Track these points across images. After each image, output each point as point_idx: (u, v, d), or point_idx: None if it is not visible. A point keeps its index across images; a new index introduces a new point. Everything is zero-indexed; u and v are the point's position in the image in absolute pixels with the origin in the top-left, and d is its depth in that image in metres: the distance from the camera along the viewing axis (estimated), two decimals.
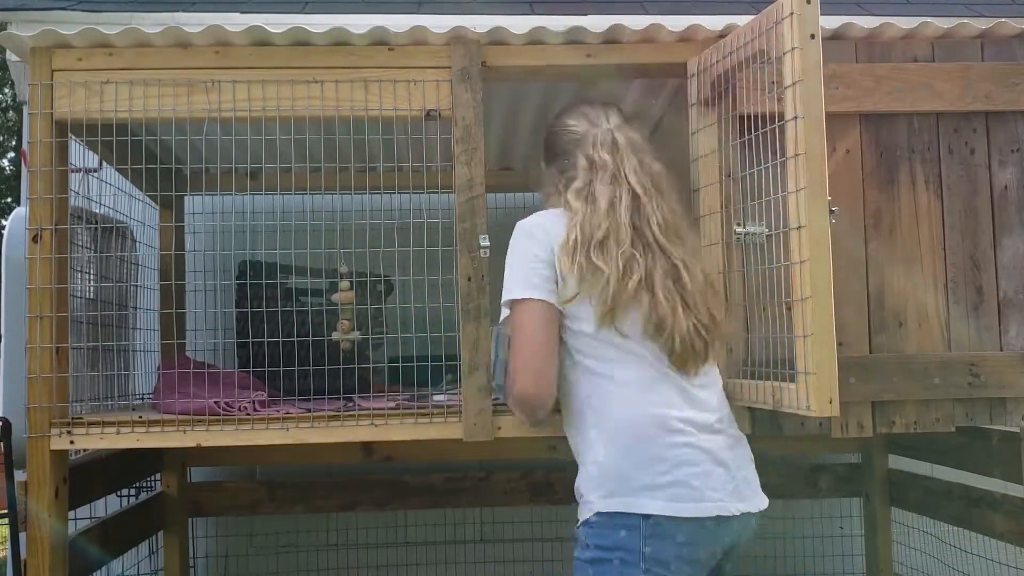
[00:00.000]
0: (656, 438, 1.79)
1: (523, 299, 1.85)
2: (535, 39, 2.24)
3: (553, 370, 1.86)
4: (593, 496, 1.81)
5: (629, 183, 1.90)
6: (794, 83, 1.77)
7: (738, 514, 1.81)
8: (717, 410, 1.88)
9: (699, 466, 1.79)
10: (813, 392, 1.75)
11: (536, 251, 1.88)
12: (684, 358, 1.83)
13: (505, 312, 1.91)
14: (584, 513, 1.82)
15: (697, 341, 1.83)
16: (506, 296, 1.89)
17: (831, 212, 1.77)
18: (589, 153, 1.95)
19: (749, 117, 2.02)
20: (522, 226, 1.94)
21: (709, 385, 1.90)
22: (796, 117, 1.77)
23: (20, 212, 2.46)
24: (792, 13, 1.78)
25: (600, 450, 1.82)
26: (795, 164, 1.78)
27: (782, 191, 1.83)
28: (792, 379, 1.82)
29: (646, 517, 1.74)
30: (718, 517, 1.78)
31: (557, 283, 1.86)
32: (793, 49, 1.78)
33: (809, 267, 1.75)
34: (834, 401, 1.74)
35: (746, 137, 2.02)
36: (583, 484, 1.85)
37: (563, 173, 1.99)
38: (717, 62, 2.12)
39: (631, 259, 1.82)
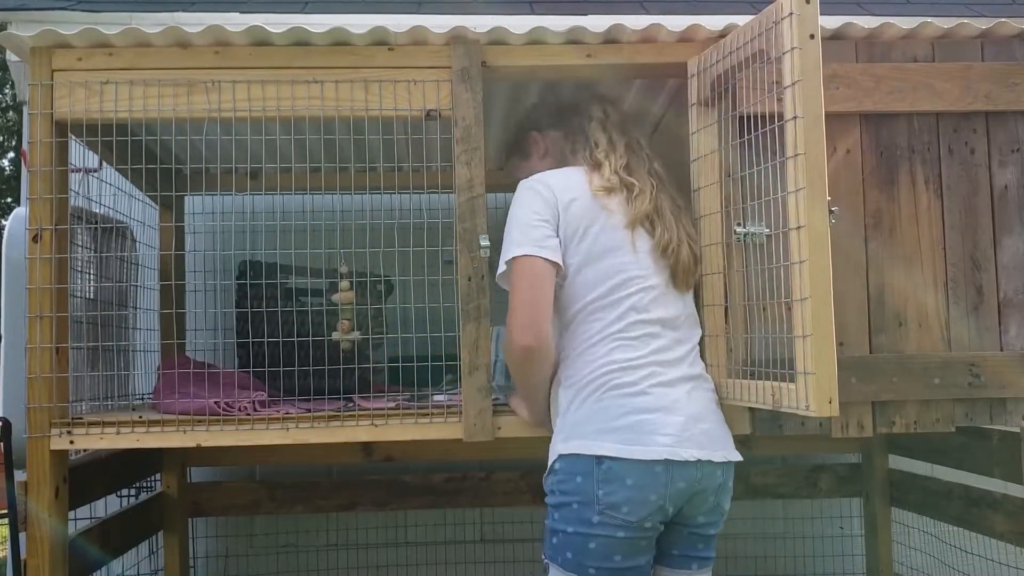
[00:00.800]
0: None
1: (521, 256, 1.94)
2: (535, 39, 2.24)
3: (548, 323, 1.95)
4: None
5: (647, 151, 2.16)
6: (794, 83, 1.77)
7: (692, 460, 1.89)
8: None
9: (652, 414, 1.90)
10: (813, 392, 1.75)
11: (538, 208, 1.98)
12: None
13: (503, 268, 1.99)
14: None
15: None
16: (505, 255, 1.97)
17: (831, 212, 1.77)
18: (599, 116, 2.17)
19: (749, 117, 2.02)
20: (526, 183, 2.04)
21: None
22: (796, 117, 1.77)
23: (20, 212, 2.46)
24: (792, 13, 1.77)
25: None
26: (794, 164, 1.78)
27: (782, 191, 1.83)
28: (791, 379, 1.82)
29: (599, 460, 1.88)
30: (667, 461, 1.87)
31: (561, 243, 1.97)
32: (793, 49, 1.77)
33: (808, 267, 1.75)
34: (834, 401, 1.74)
35: (746, 137, 2.02)
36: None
37: (570, 136, 2.19)
38: (717, 62, 2.12)
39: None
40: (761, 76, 1.99)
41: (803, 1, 1.77)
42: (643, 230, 2.02)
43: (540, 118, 2.30)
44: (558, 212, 1.98)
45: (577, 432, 1.93)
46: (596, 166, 2.08)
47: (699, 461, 1.90)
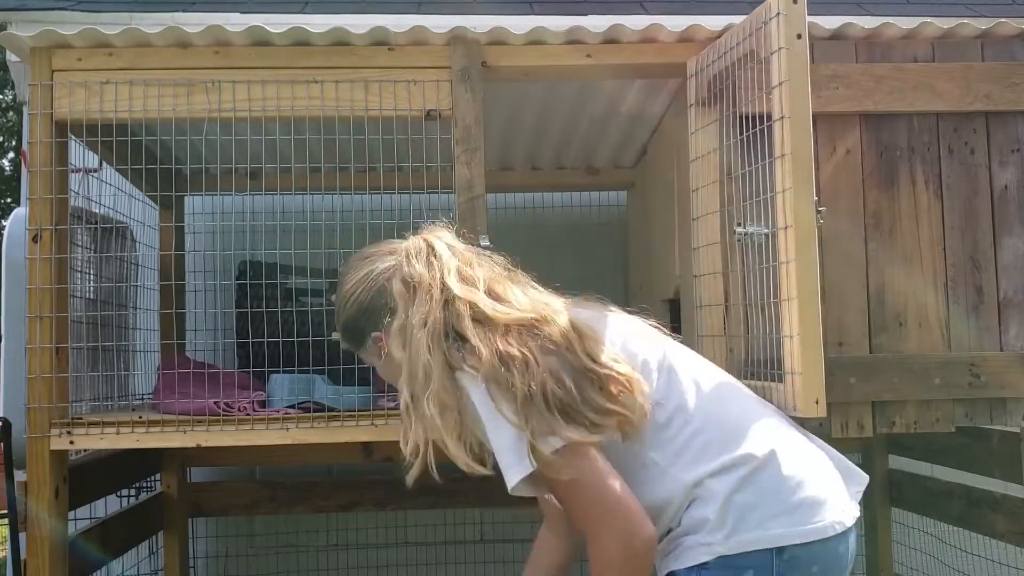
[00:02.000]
0: None
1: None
2: (535, 39, 2.24)
3: None
4: None
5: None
6: (780, 83, 1.77)
7: None
8: None
9: None
10: (800, 392, 1.74)
11: None
12: None
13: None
14: None
15: None
16: None
17: (818, 212, 1.76)
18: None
19: (744, 117, 2.02)
20: None
21: None
22: (783, 117, 1.76)
23: (20, 212, 2.46)
24: (779, 13, 1.77)
25: None
26: (781, 164, 1.77)
27: (770, 191, 1.83)
28: (780, 379, 1.82)
29: None
30: None
31: None
32: (780, 49, 1.77)
33: (795, 267, 1.74)
34: (820, 402, 1.74)
35: (739, 137, 2.02)
36: None
37: None
38: (713, 62, 2.12)
39: None
40: (755, 76, 1.99)
41: (790, 1, 1.76)
42: None
43: None
44: None
45: None
46: None
47: None
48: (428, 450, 1.51)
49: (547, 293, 1.59)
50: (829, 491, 1.50)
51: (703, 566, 1.43)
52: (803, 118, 1.75)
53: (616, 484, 1.41)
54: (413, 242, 1.62)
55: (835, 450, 1.63)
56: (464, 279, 1.54)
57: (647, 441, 1.49)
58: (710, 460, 1.47)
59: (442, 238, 1.62)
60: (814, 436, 1.64)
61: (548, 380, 1.42)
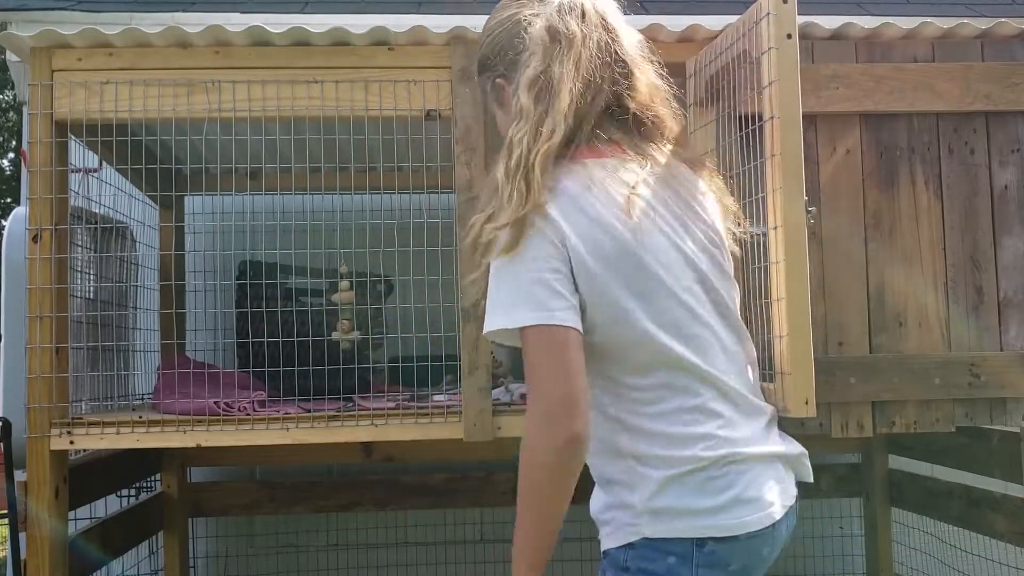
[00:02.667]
0: None
1: None
2: None
3: None
4: None
5: None
6: (770, 83, 1.76)
7: None
8: None
9: None
10: (790, 393, 1.74)
11: None
12: None
13: None
14: None
15: None
16: None
17: (808, 212, 1.76)
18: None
19: (740, 117, 2.01)
20: None
21: None
22: (773, 117, 1.76)
23: (20, 212, 2.46)
24: (769, 13, 1.76)
25: None
26: (771, 164, 1.77)
27: (762, 191, 1.83)
28: (770, 379, 1.82)
29: None
30: None
31: None
32: (770, 49, 1.76)
33: (784, 267, 1.74)
34: (810, 402, 1.73)
35: (734, 137, 2.02)
36: None
37: None
38: (710, 62, 2.12)
39: None
40: (747, 76, 1.99)
41: (780, 1, 1.75)
42: None
43: None
44: None
45: None
46: None
47: None
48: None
49: None
50: (762, 488, 1.38)
51: (630, 546, 1.37)
52: (793, 118, 1.74)
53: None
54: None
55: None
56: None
57: None
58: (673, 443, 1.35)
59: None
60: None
61: None
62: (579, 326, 1.31)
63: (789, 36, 1.75)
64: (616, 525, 1.39)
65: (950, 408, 2.21)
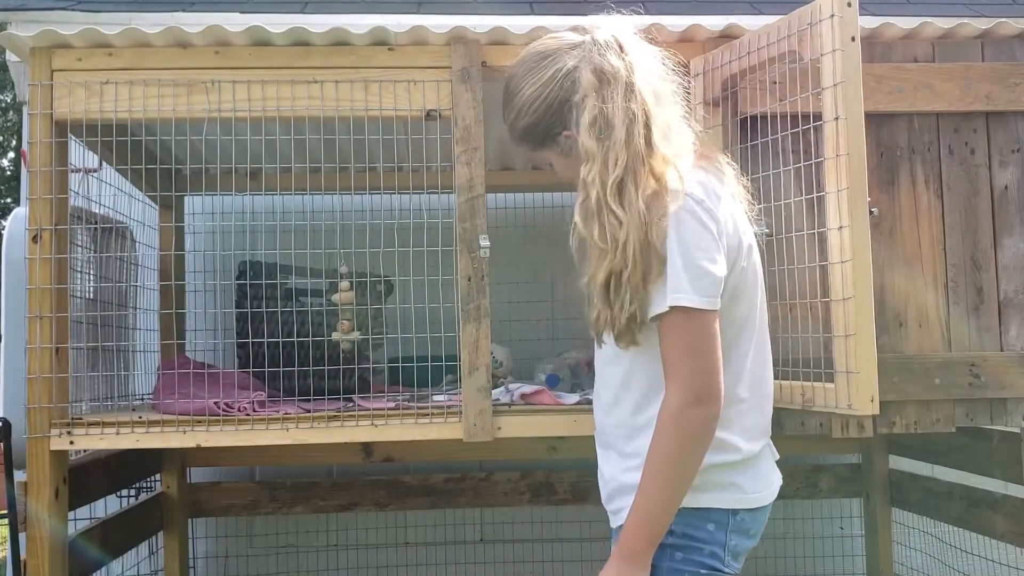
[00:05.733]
0: None
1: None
2: (535, 39, 2.24)
3: None
4: None
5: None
6: (835, 85, 1.79)
7: None
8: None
9: None
10: (855, 391, 1.77)
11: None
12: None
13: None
14: None
15: None
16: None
17: (871, 212, 1.79)
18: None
19: (764, 118, 2.02)
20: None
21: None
22: (838, 118, 1.78)
23: (20, 212, 2.46)
24: (833, 15, 1.80)
25: None
26: (836, 165, 1.79)
27: (796, 195, 1.84)
28: (824, 379, 1.84)
29: None
30: None
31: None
32: (834, 51, 1.79)
33: (851, 267, 1.77)
34: (875, 399, 1.77)
35: (759, 139, 2.01)
36: None
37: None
38: (730, 62, 2.12)
39: None
40: (795, 77, 1.98)
41: (844, 3, 1.79)
42: None
43: None
44: None
45: None
46: None
47: None
48: (631, 240, 1.50)
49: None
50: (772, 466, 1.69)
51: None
52: (857, 119, 1.78)
53: None
54: (599, 35, 1.64)
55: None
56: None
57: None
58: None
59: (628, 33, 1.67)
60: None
61: None
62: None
63: (853, 39, 1.78)
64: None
65: (950, 408, 2.21)
